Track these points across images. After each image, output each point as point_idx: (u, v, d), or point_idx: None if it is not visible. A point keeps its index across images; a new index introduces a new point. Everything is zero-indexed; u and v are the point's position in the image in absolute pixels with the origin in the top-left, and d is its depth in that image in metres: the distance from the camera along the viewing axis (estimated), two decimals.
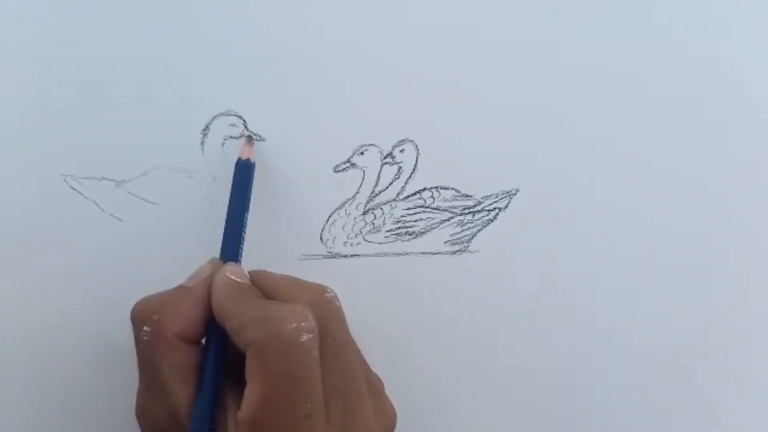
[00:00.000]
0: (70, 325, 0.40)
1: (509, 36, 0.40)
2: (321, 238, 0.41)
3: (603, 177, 0.41)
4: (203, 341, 0.35)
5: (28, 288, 0.40)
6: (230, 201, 0.38)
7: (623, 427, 0.43)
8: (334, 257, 0.41)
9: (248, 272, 0.36)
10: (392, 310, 0.42)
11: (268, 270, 0.37)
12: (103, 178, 0.39)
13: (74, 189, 0.39)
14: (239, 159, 0.38)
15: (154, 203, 0.40)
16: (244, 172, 0.38)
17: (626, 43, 0.40)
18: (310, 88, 0.39)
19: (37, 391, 0.41)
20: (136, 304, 0.35)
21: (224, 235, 0.37)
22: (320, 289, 0.35)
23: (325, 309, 0.34)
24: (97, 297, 0.40)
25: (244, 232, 0.37)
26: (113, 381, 0.41)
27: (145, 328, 0.34)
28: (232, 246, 0.37)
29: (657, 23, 0.40)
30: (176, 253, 0.40)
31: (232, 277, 0.35)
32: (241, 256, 0.37)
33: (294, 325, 0.32)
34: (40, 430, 0.41)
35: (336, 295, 0.36)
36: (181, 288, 0.35)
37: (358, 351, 0.36)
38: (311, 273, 0.41)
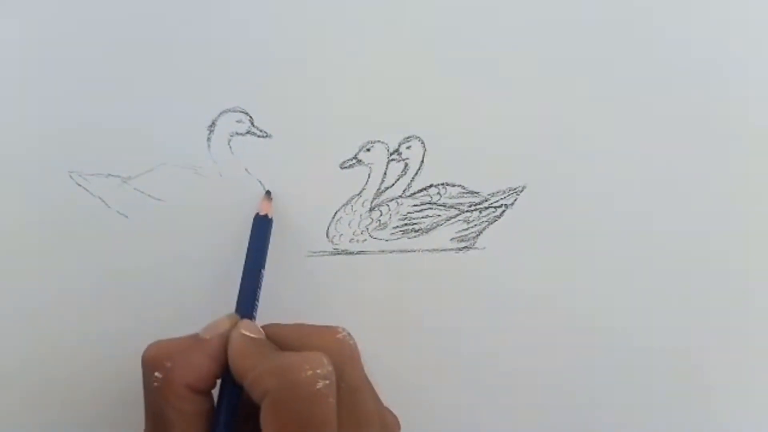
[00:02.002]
0: (73, 321, 0.40)
1: (517, 33, 0.40)
2: (327, 235, 0.41)
3: (609, 174, 0.41)
4: (213, 391, 0.35)
5: (33, 285, 0.40)
6: (247, 256, 0.38)
7: (627, 426, 0.44)
8: (341, 254, 0.41)
9: (262, 327, 0.36)
10: (398, 307, 0.42)
11: (281, 322, 0.37)
12: (109, 174, 0.39)
13: (80, 185, 0.39)
14: (257, 214, 0.39)
15: (160, 200, 0.40)
16: (261, 228, 0.38)
17: (633, 43, 0.40)
18: (316, 84, 0.39)
19: (39, 388, 0.41)
20: (149, 348, 0.34)
21: (240, 291, 0.37)
22: (331, 332, 0.35)
23: (338, 352, 0.34)
24: (103, 294, 0.40)
25: (260, 288, 0.37)
26: (115, 379, 0.41)
27: (156, 374, 0.33)
28: (247, 302, 0.37)
29: (660, 23, 0.40)
30: (182, 250, 0.40)
31: (247, 333, 0.35)
32: (256, 312, 0.37)
33: (309, 372, 0.32)
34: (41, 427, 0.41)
35: (348, 333, 0.35)
36: (196, 338, 0.35)
37: (372, 391, 0.36)
38: (318, 270, 0.41)
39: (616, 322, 0.43)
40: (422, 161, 0.40)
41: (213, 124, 0.39)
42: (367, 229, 0.41)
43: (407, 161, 0.40)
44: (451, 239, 0.41)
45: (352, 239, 0.41)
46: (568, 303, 0.42)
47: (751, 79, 0.41)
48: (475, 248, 0.41)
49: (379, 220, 0.41)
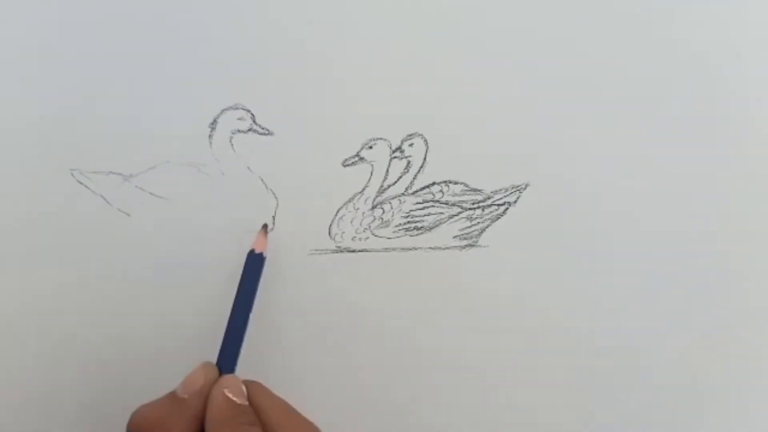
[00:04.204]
0: (74, 319, 0.40)
1: (520, 32, 0.39)
2: (330, 233, 0.41)
3: (612, 173, 0.41)
4: None
5: (34, 282, 0.40)
6: (237, 298, 0.37)
7: (627, 426, 0.43)
8: (343, 252, 0.41)
9: (245, 384, 0.35)
10: (401, 305, 0.41)
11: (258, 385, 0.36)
12: (111, 172, 0.39)
13: (82, 183, 0.39)
14: (252, 251, 0.38)
15: (161, 197, 0.39)
16: (254, 265, 0.37)
17: (636, 43, 0.40)
18: (318, 82, 0.39)
19: (39, 387, 0.41)
20: (133, 416, 0.34)
21: (225, 337, 0.36)
22: (311, 430, 0.35)
23: None
24: (105, 291, 0.40)
25: (245, 333, 0.36)
26: (116, 378, 0.41)
27: None
28: (231, 351, 0.36)
29: (662, 23, 0.40)
30: (184, 247, 0.40)
31: (230, 396, 0.34)
32: (237, 360, 0.36)
33: None
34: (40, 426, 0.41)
35: None
36: (174, 399, 0.34)
37: None
38: (320, 268, 0.41)
39: (618, 320, 0.42)
40: (425, 159, 0.40)
41: (215, 121, 0.39)
42: (370, 226, 0.41)
43: (410, 159, 0.40)
44: (454, 237, 0.41)
45: (355, 237, 0.41)
46: (570, 301, 0.42)
47: (752, 78, 0.41)
48: (478, 246, 0.41)
49: (382, 218, 0.41)
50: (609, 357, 0.43)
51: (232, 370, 0.36)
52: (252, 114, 0.39)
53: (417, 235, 0.41)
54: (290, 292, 0.41)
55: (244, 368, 0.41)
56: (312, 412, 0.42)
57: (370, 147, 0.40)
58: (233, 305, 0.37)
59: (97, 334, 0.41)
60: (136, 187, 0.39)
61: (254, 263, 0.38)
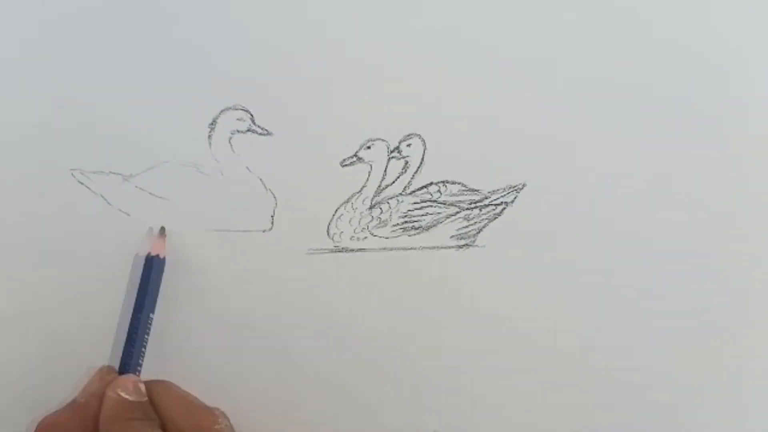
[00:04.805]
0: (74, 319, 0.40)
1: (517, 32, 0.40)
2: (328, 233, 0.41)
3: (609, 173, 0.41)
4: None
5: (35, 281, 0.40)
6: (136, 300, 0.37)
7: (631, 426, 0.44)
8: (341, 251, 0.41)
9: (149, 383, 0.36)
10: (398, 305, 0.42)
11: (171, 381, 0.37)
12: (111, 172, 0.39)
13: (82, 183, 0.39)
14: (148, 254, 0.38)
15: (161, 197, 0.40)
16: (154, 269, 0.38)
17: (633, 43, 0.40)
18: (317, 83, 0.39)
19: (39, 386, 0.41)
20: (37, 427, 0.35)
21: (126, 340, 0.37)
22: (211, 420, 0.35)
23: None
24: (105, 291, 0.40)
25: (148, 334, 0.37)
26: None
27: None
28: (132, 353, 0.37)
29: (660, 24, 0.40)
30: (183, 246, 0.40)
31: (122, 394, 0.35)
32: (142, 360, 0.37)
33: None
34: None
35: (228, 425, 0.35)
36: (74, 405, 0.35)
37: None
38: (318, 267, 0.41)
39: (615, 320, 0.43)
40: (422, 159, 0.41)
41: (214, 122, 0.39)
42: (368, 226, 0.41)
43: (407, 159, 0.41)
44: (451, 237, 0.41)
45: (353, 237, 0.41)
46: (567, 301, 0.42)
47: (752, 78, 0.41)
48: (475, 246, 0.41)
49: (380, 218, 0.41)
50: (607, 357, 0.43)
51: (133, 372, 0.36)
52: (251, 114, 0.39)
53: (414, 234, 0.41)
54: (288, 291, 0.41)
55: (244, 367, 0.41)
56: (309, 411, 0.42)
57: (369, 147, 0.40)
58: (133, 308, 0.38)
59: (95, 335, 0.41)
60: (135, 187, 0.39)
61: (152, 266, 0.38)
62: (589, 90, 0.40)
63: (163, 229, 0.39)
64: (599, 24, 0.40)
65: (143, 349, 0.37)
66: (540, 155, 0.41)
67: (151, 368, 0.38)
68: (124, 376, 0.36)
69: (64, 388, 0.39)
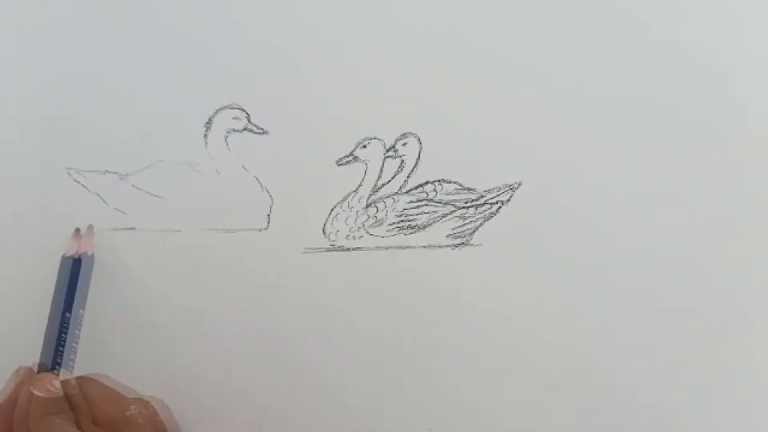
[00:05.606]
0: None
1: (513, 32, 0.40)
2: (324, 231, 0.41)
3: (606, 171, 0.41)
4: None
5: (34, 281, 0.40)
6: (53, 300, 0.38)
7: (630, 426, 0.43)
8: (337, 250, 0.41)
9: (78, 379, 0.36)
10: (394, 304, 0.42)
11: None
12: (107, 171, 0.39)
13: (78, 182, 0.39)
14: (63, 256, 0.38)
15: (157, 196, 0.40)
16: (70, 269, 0.38)
17: (630, 42, 0.40)
18: (313, 82, 0.39)
19: None
20: None
21: (44, 339, 0.37)
22: (123, 406, 0.36)
23: (120, 430, 0.35)
24: (103, 290, 0.40)
25: (69, 331, 0.37)
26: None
27: None
28: (50, 350, 0.37)
29: (658, 23, 0.40)
30: (180, 245, 0.40)
31: (34, 392, 0.35)
32: (60, 359, 0.37)
33: None
34: None
35: (144, 412, 0.36)
36: None
37: None
38: (314, 266, 0.41)
39: (612, 320, 0.42)
40: (418, 158, 0.41)
41: (210, 121, 0.39)
42: (364, 225, 0.41)
43: (403, 158, 0.41)
44: (447, 236, 0.41)
45: (349, 236, 0.41)
46: (563, 300, 0.42)
47: (752, 78, 0.41)
48: (471, 245, 0.41)
49: (376, 217, 0.41)
50: (603, 356, 0.43)
51: (54, 368, 0.37)
52: (247, 113, 0.39)
53: (410, 233, 0.41)
54: (285, 289, 0.41)
55: (245, 367, 0.41)
56: (305, 410, 0.42)
57: (365, 146, 0.40)
58: (51, 307, 0.38)
59: (94, 333, 0.41)
60: (132, 185, 0.40)
61: (68, 266, 0.38)
62: (586, 89, 0.40)
63: (90, 227, 0.39)
64: (597, 23, 0.40)
65: (75, 345, 0.37)
66: (536, 154, 0.41)
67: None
68: (39, 375, 0.36)
69: None
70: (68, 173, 0.39)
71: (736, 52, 0.41)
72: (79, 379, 0.37)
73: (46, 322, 0.37)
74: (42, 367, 0.37)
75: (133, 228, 0.40)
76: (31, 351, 0.38)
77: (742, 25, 0.40)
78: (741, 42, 0.40)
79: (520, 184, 0.41)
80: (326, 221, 0.41)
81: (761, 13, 0.40)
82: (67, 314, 0.37)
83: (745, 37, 0.40)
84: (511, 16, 0.39)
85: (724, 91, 0.41)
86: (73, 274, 0.38)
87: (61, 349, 0.37)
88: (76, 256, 0.38)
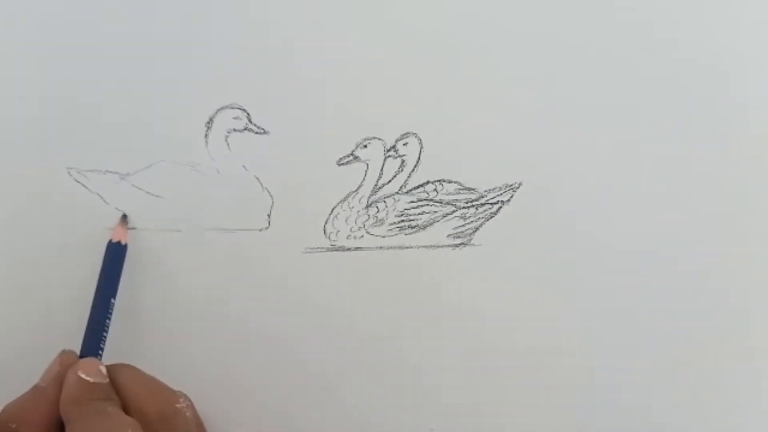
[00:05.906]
0: (72, 318, 0.40)
1: (514, 30, 0.40)
2: (324, 231, 0.41)
3: (607, 171, 0.41)
4: None
5: (32, 281, 0.40)
6: (98, 285, 0.38)
7: (630, 426, 0.44)
8: (338, 250, 0.41)
9: (111, 366, 0.36)
10: (394, 303, 0.42)
11: (133, 364, 0.37)
12: (107, 171, 0.39)
13: (78, 182, 0.39)
14: (110, 241, 0.39)
15: (158, 196, 0.40)
16: (115, 255, 0.38)
17: (631, 41, 0.40)
18: (313, 81, 0.39)
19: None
20: (0, 413, 0.35)
21: (87, 324, 0.37)
22: (173, 399, 0.36)
23: (171, 422, 0.35)
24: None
25: (109, 319, 0.37)
26: None
27: None
28: (94, 336, 0.37)
29: (659, 22, 0.40)
30: (180, 244, 0.40)
31: (83, 376, 0.35)
32: (103, 344, 0.37)
33: None
34: None
35: (189, 405, 0.36)
36: (36, 389, 0.35)
37: None
38: (315, 266, 0.41)
39: (613, 320, 0.42)
40: (419, 158, 0.41)
41: (210, 120, 0.39)
42: (364, 225, 0.41)
43: (404, 158, 0.41)
44: (448, 236, 0.41)
45: (349, 236, 0.41)
46: (564, 300, 0.42)
47: (751, 78, 0.41)
48: (472, 245, 0.41)
49: (376, 217, 0.41)
50: (604, 357, 0.43)
51: (95, 355, 0.37)
52: (248, 113, 0.39)
53: (411, 233, 0.41)
54: (285, 289, 0.41)
55: (244, 367, 0.41)
56: (304, 410, 0.42)
57: (365, 146, 0.40)
58: (95, 293, 0.38)
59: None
60: (132, 185, 0.40)
61: (113, 252, 0.38)
62: (586, 89, 0.40)
63: (125, 216, 0.39)
64: (597, 24, 0.40)
65: (105, 334, 0.37)
66: (537, 154, 0.41)
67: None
68: (84, 360, 0.36)
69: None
70: (68, 173, 0.39)
71: (736, 52, 0.41)
72: (111, 367, 0.37)
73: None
74: (85, 353, 0.37)
75: (133, 228, 0.40)
76: (33, 348, 0.38)
77: (742, 25, 0.40)
78: (741, 42, 0.41)
79: (520, 184, 0.41)
80: (327, 221, 0.41)
81: (761, 13, 0.40)
82: (112, 300, 0.38)
83: (745, 37, 0.40)
84: (511, 17, 0.39)
85: (724, 91, 0.41)
86: (120, 259, 0.38)
87: (104, 335, 0.37)
88: (123, 242, 0.38)
